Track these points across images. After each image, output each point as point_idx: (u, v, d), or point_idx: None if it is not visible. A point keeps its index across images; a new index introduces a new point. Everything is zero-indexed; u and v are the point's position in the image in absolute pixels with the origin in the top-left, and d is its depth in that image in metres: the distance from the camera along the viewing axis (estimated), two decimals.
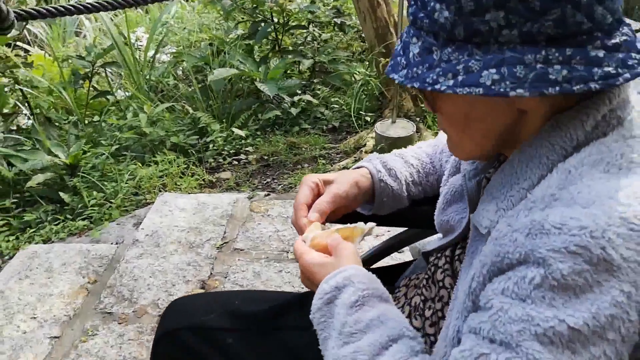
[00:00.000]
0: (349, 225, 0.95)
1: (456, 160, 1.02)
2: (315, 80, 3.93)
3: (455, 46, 0.68)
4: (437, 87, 0.68)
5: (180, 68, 4.30)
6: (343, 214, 1.08)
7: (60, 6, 1.72)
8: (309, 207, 1.01)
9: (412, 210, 1.18)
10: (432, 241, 1.09)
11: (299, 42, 4.27)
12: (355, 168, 1.13)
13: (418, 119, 3.34)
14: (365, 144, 3.19)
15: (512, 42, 0.65)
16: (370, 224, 0.94)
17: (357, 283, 0.81)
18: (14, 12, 1.12)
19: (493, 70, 0.65)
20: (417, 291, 1.06)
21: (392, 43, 3.45)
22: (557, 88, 0.63)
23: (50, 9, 1.67)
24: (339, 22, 4.13)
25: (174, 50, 4.45)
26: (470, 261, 0.82)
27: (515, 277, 0.64)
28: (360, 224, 0.94)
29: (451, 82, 0.67)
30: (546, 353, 0.60)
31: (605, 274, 0.59)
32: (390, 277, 1.26)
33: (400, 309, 1.03)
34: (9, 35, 3.51)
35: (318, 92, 3.79)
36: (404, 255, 2.19)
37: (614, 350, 0.60)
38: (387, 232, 2.17)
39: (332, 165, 3.09)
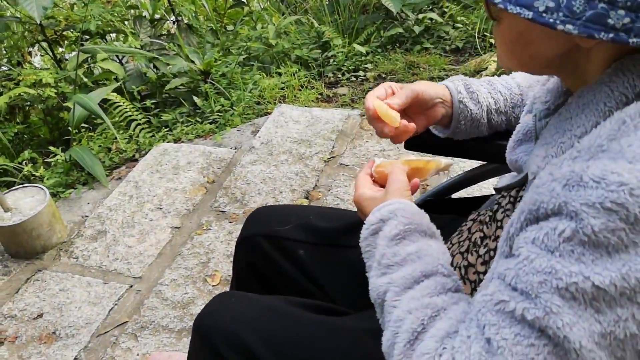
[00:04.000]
0: (424, 157, 0.98)
1: (534, 97, 1.00)
2: None
3: None
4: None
5: None
6: (420, 126, 1.07)
7: None
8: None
9: (490, 144, 1.18)
10: (505, 177, 1.12)
11: None
12: None
13: None
14: (487, 67, 3.12)
15: None
16: (448, 160, 0.97)
17: (400, 217, 0.84)
18: None
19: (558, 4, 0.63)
20: (479, 227, 1.07)
21: None
22: (611, 35, 0.61)
23: None
24: None
25: None
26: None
27: (547, 228, 0.64)
28: (438, 157, 0.97)
29: None
30: (566, 308, 0.60)
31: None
32: (466, 210, 1.31)
33: (462, 243, 1.06)
34: None
35: (446, 9, 3.70)
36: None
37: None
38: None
39: None
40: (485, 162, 1.40)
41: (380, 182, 0.98)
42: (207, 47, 3.61)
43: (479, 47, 3.34)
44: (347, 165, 2.59)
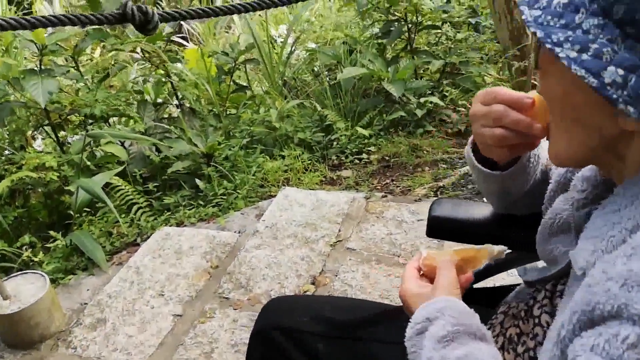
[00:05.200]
0: (474, 246, 0.92)
1: (560, 180, 0.97)
2: (444, 82, 3.90)
3: (604, 22, 0.62)
4: (556, 50, 0.63)
5: (315, 65, 4.44)
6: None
7: (199, 9, 1.88)
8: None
9: (513, 231, 1.14)
10: (533, 268, 1.07)
11: (432, 42, 4.25)
12: None
13: None
14: None
15: None
16: (500, 247, 0.91)
17: (448, 316, 0.80)
18: (158, 14, 1.25)
19: (621, 72, 0.60)
20: (513, 322, 1.01)
21: (527, 46, 3.35)
22: None
23: (190, 11, 1.83)
24: (473, 22, 4.05)
25: (310, 48, 4.61)
26: (567, 302, 0.77)
27: (607, 334, 0.59)
28: (488, 245, 0.92)
29: (573, 55, 0.62)
30: None
31: None
32: (492, 300, 1.25)
33: (495, 339, 1.00)
34: (165, 32, 3.85)
35: (446, 94, 3.76)
36: (514, 278, 2.15)
37: None
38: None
39: (453, 171, 3.08)
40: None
41: (429, 275, 0.93)
42: (210, 131, 3.63)
43: None
44: (354, 250, 2.53)
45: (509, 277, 1.61)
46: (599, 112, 0.68)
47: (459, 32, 4.22)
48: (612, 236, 0.69)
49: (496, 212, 1.20)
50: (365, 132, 3.44)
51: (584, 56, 0.61)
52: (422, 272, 0.95)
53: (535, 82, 3.10)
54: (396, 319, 1.21)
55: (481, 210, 1.22)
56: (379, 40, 4.16)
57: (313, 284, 2.37)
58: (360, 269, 2.41)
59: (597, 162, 0.78)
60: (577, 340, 0.64)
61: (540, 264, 1.13)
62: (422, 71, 4.09)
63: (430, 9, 4.07)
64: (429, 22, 4.10)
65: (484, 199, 1.22)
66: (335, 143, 3.43)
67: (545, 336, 0.88)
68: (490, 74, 3.60)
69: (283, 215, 2.78)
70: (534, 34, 0.65)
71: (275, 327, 1.22)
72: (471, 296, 1.31)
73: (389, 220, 2.69)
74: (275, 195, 2.98)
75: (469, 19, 4.05)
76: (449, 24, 4.15)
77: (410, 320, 0.85)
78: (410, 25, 4.04)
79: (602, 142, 0.71)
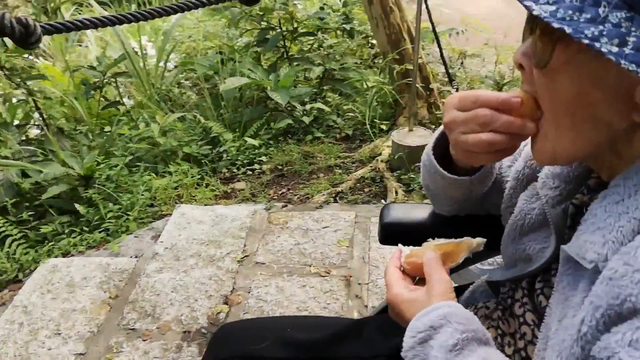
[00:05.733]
0: (453, 240, 0.89)
1: (518, 177, 0.97)
2: (325, 88, 3.93)
3: (631, 15, 0.61)
4: (597, 45, 0.60)
5: (188, 77, 4.28)
6: None
7: (85, 19, 1.71)
8: None
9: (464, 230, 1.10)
10: (495, 270, 1.06)
11: (307, 49, 4.26)
12: None
13: (433, 126, 3.34)
14: (380, 153, 3.18)
15: None
16: (480, 239, 0.89)
17: (455, 323, 0.76)
18: (41, 26, 1.10)
19: None
20: (490, 323, 0.99)
21: (405, 49, 3.45)
22: None
23: (77, 22, 1.66)
24: (348, 29, 4.12)
25: (181, 59, 4.43)
26: (563, 297, 0.76)
27: None
28: (467, 238, 0.89)
29: (616, 50, 0.60)
30: None
31: None
32: None
33: None
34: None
35: (329, 99, 3.78)
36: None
37: None
38: None
39: (348, 175, 3.09)
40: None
41: (412, 273, 0.89)
42: (84, 151, 3.35)
43: (369, 133, 3.42)
44: (263, 264, 2.45)
45: None
46: (614, 108, 0.67)
47: (332, 39, 4.28)
48: (621, 226, 0.67)
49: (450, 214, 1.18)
50: (255, 142, 3.36)
51: (627, 50, 0.59)
52: (404, 270, 0.90)
53: (417, 85, 3.21)
54: (364, 333, 1.17)
55: (432, 212, 1.20)
56: (256, 49, 4.10)
57: (226, 303, 2.25)
58: (273, 283, 2.33)
59: (594, 158, 0.77)
60: (608, 336, 0.62)
61: (493, 263, 1.13)
62: (302, 78, 4.08)
63: (306, 17, 4.09)
64: (304, 30, 4.12)
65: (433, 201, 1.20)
66: (224, 155, 3.31)
67: (535, 334, 0.87)
68: (371, 79, 3.66)
69: (182, 234, 2.63)
70: (558, 30, 0.61)
71: (235, 356, 1.12)
72: None
73: (294, 230, 2.64)
74: (170, 214, 2.81)
75: (343, 25, 4.11)
76: (322, 30, 4.19)
77: (406, 329, 0.79)
78: (285, 33, 4.03)
79: (608, 137, 0.70)
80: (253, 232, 2.64)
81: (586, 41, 0.60)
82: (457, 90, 2.91)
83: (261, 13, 4.06)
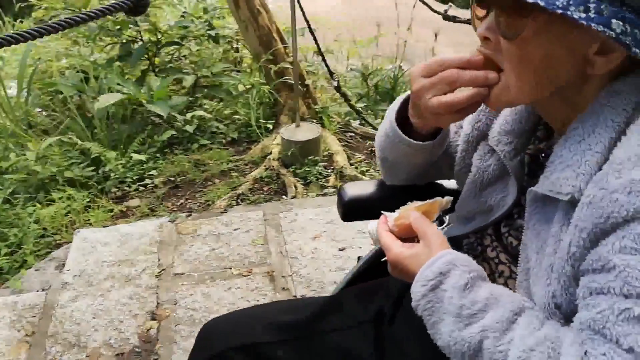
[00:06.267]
0: (427, 200, 0.99)
1: (468, 140, 1.09)
2: (199, 95, 3.92)
3: None
4: (568, 13, 0.72)
5: (53, 100, 4.04)
6: None
7: None
8: None
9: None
10: (450, 228, 1.18)
11: (175, 59, 4.22)
12: None
13: (314, 121, 3.47)
14: (271, 152, 3.26)
15: (631, 6, 0.74)
16: (448, 197, 0.99)
17: (461, 266, 0.86)
18: None
19: (620, 23, 0.72)
20: None
21: (278, 50, 3.55)
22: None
23: None
24: (213, 35, 4.12)
25: (42, 82, 4.17)
26: (536, 232, 0.88)
27: (630, 234, 0.71)
28: (438, 198, 0.99)
29: (584, 15, 0.72)
30: None
31: None
32: None
33: None
34: None
35: (207, 106, 3.78)
36: None
37: None
38: None
39: (245, 177, 3.13)
40: None
41: (401, 234, 0.96)
42: None
43: (255, 133, 3.47)
44: (182, 274, 2.43)
45: None
46: (573, 63, 0.80)
47: (198, 46, 4.27)
48: (587, 161, 0.81)
49: (402, 184, 1.28)
50: (141, 157, 3.27)
51: (591, 14, 0.72)
52: (393, 233, 0.98)
53: (291, 81, 3.33)
54: (341, 306, 1.24)
55: (386, 186, 1.30)
56: (121, 63, 3.98)
57: (154, 319, 2.21)
58: (198, 291, 2.33)
59: (546, 106, 0.91)
60: (597, 250, 0.75)
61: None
62: (175, 88, 4.03)
63: (168, 26, 4.04)
64: (169, 40, 4.07)
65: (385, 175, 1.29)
66: (111, 175, 3.19)
67: (513, 270, 1.00)
68: (249, 81, 3.71)
69: (89, 259, 2.52)
70: (532, 4, 0.73)
71: (230, 347, 1.15)
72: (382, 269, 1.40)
73: (206, 237, 2.64)
74: (69, 242, 2.68)
75: (208, 32, 4.12)
76: (187, 39, 4.16)
77: (416, 280, 0.88)
78: (149, 45, 3.96)
79: (560, 87, 0.84)
80: (164, 245, 2.60)
81: (560, 11, 0.72)
82: (337, 82, 3.06)
83: (117, 27, 3.96)
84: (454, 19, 2.60)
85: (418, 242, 0.95)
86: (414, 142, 1.08)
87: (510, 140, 1.00)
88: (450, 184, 1.30)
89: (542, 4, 0.73)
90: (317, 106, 3.60)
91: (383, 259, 1.42)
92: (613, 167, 0.76)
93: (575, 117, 0.86)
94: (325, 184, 3.08)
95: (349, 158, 3.30)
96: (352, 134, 3.61)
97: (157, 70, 4.00)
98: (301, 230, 2.65)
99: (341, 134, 3.58)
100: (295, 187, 3.01)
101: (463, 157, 1.13)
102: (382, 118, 3.49)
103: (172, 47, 4.15)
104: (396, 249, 0.94)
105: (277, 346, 1.16)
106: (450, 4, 2.56)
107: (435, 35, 4.37)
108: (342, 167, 3.16)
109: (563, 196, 0.83)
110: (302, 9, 2.97)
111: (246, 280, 2.37)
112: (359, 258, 1.49)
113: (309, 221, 2.71)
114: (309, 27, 3.06)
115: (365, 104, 3.98)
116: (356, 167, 3.24)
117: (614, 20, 0.73)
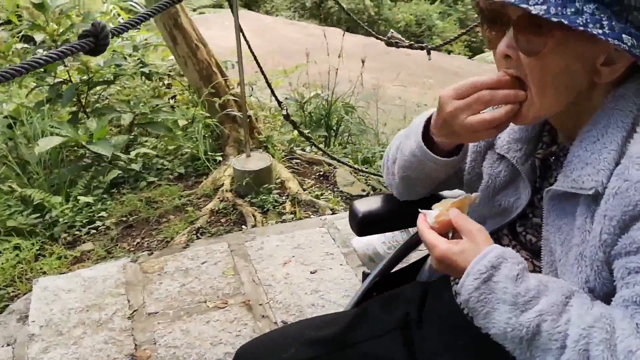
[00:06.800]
0: (458, 197, 1.04)
1: (477, 150, 1.18)
2: (136, 133, 3.87)
3: (598, 6, 0.84)
4: (589, 29, 0.82)
5: None
6: None
7: None
8: None
9: None
10: None
11: (102, 98, 4.15)
12: None
13: (260, 150, 3.51)
14: (223, 184, 3.26)
15: (632, 22, 0.86)
16: (477, 194, 1.06)
17: (511, 259, 0.92)
18: None
19: (628, 37, 0.84)
20: None
21: (218, 83, 3.57)
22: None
23: None
24: (147, 72, 4.09)
25: None
26: (557, 227, 0.98)
27: None
28: (467, 195, 1.05)
29: (600, 31, 0.82)
30: None
31: None
32: (411, 276, 1.40)
33: None
34: None
35: (147, 144, 3.74)
36: None
37: None
38: None
39: (200, 210, 3.11)
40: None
41: (442, 230, 1.01)
42: None
43: (205, 166, 3.47)
44: (156, 313, 2.38)
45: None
46: (585, 74, 0.92)
47: (132, 84, 4.22)
48: (605, 158, 0.92)
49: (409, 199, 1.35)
50: (88, 200, 3.19)
51: (606, 30, 0.83)
52: (435, 230, 1.02)
53: (238, 114, 3.36)
54: (367, 317, 1.30)
55: (396, 200, 1.37)
56: (52, 105, 3.87)
57: None
58: (176, 328, 2.29)
59: (563, 113, 1.02)
60: (629, 234, 0.85)
61: None
62: (114, 127, 3.96)
63: (99, 66, 3.98)
64: (101, 79, 4.00)
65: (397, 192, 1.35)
66: (59, 220, 3.08)
67: (535, 264, 1.09)
68: (194, 114, 3.70)
69: (54, 307, 2.42)
70: (558, 22, 0.82)
71: None
72: (395, 280, 1.47)
73: (174, 273, 2.60)
74: (26, 292, 2.56)
75: (141, 70, 4.08)
76: (120, 77, 4.11)
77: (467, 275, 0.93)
78: (80, 85, 3.87)
79: (575, 96, 0.95)
80: (131, 285, 2.54)
81: (581, 28, 0.82)
82: (286, 111, 3.13)
83: (43, 70, 3.85)
84: (397, 45, 2.74)
85: (452, 237, 1.01)
86: (442, 158, 1.14)
87: (520, 147, 1.10)
88: (449, 193, 1.38)
89: (565, 22, 0.83)
90: (260, 136, 3.65)
91: (393, 270, 1.50)
92: (632, 161, 0.87)
93: (585, 121, 0.97)
94: (282, 210, 3.12)
95: (300, 184, 3.36)
96: (298, 161, 3.68)
97: (88, 110, 3.92)
98: (269, 257, 2.68)
99: (287, 161, 3.64)
100: (254, 216, 3.03)
101: (473, 167, 1.22)
102: (322, 144, 3.56)
103: (101, 87, 4.08)
104: (443, 246, 0.98)
105: None
106: (391, 30, 2.69)
107: (363, 62, 4.53)
108: (296, 192, 3.21)
109: (586, 191, 0.93)
110: (247, 42, 3.02)
111: (223, 312, 2.36)
112: (364, 274, 1.55)
113: (275, 248, 2.73)
114: (255, 58, 3.11)
115: (306, 131, 4.06)
116: (309, 192, 3.30)
117: (624, 35, 0.84)
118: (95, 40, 1.64)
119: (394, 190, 1.34)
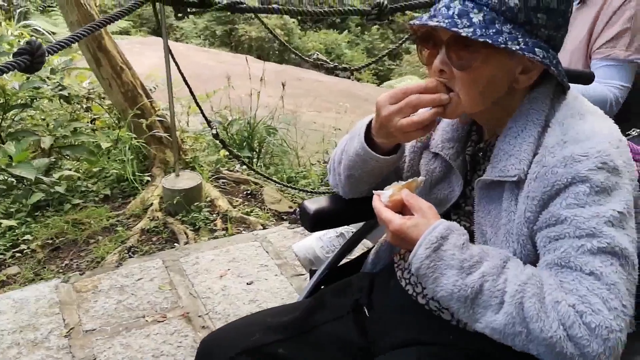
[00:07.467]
0: (408, 180, 1.19)
1: (414, 151, 1.34)
2: (58, 156, 3.80)
3: (514, 26, 1.02)
4: (509, 46, 1.00)
5: None
6: None
7: None
8: None
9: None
10: None
11: (16, 122, 4.05)
12: None
13: (188, 170, 3.56)
14: (152, 203, 3.28)
15: (541, 37, 1.05)
16: (422, 178, 1.21)
17: (456, 230, 1.08)
18: None
19: (540, 50, 1.03)
20: None
21: (144, 104, 3.60)
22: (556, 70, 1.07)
23: None
24: (66, 95, 4.04)
25: None
26: (487, 211, 1.15)
27: (571, 195, 0.99)
28: (415, 178, 1.19)
29: (518, 47, 1.01)
30: (613, 231, 0.97)
31: (618, 176, 1.01)
32: (356, 269, 1.54)
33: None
34: None
35: (69, 166, 3.69)
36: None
37: (634, 222, 1.03)
38: None
39: (130, 230, 3.11)
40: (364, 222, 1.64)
41: (395, 209, 1.15)
42: None
43: (135, 186, 3.47)
44: (94, 330, 2.38)
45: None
46: (506, 81, 1.11)
47: (51, 107, 4.15)
48: (525, 149, 1.11)
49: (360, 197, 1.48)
50: (11, 223, 3.11)
51: (522, 46, 1.03)
52: (389, 207, 1.16)
53: (164, 134, 3.39)
54: (323, 304, 1.42)
55: (341, 198, 1.49)
56: None
57: None
58: (116, 343, 2.30)
59: (488, 113, 1.20)
60: (548, 210, 1.04)
61: None
62: (30, 151, 3.86)
63: (14, 90, 3.89)
64: (19, 102, 3.91)
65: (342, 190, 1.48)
66: None
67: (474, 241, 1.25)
68: (119, 136, 3.70)
69: None
70: (484, 42, 1.02)
71: (238, 352, 1.27)
72: (344, 271, 1.59)
73: (109, 291, 2.60)
74: None
75: (60, 92, 4.03)
76: (37, 100, 4.03)
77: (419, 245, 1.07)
78: None
79: (497, 98, 1.13)
80: (65, 305, 2.52)
81: (503, 45, 1.02)
82: (216, 130, 3.20)
83: None
84: (321, 66, 2.91)
85: (404, 214, 1.14)
86: (382, 157, 1.29)
87: (452, 145, 1.28)
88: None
89: (490, 41, 1.02)
90: (186, 157, 3.70)
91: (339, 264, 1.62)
92: (548, 150, 1.06)
93: (507, 119, 1.16)
94: (214, 227, 3.18)
95: (230, 202, 3.43)
96: (225, 181, 3.76)
97: (2, 135, 3.82)
98: (205, 271, 2.73)
99: (215, 181, 3.71)
100: (186, 233, 3.08)
101: (411, 165, 1.38)
102: (246, 165, 3.62)
103: (17, 110, 3.98)
104: (398, 221, 1.11)
105: (276, 346, 1.30)
106: (317, 52, 2.85)
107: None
108: (227, 210, 3.29)
109: (511, 178, 1.11)
110: (177, 65, 3.09)
111: (163, 325, 2.39)
112: (311, 271, 1.67)
113: (211, 262, 2.79)
114: (184, 79, 3.18)
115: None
116: (239, 210, 3.38)
117: (536, 49, 1.05)
118: (31, 58, 1.69)
119: (340, 190, 1.47)
